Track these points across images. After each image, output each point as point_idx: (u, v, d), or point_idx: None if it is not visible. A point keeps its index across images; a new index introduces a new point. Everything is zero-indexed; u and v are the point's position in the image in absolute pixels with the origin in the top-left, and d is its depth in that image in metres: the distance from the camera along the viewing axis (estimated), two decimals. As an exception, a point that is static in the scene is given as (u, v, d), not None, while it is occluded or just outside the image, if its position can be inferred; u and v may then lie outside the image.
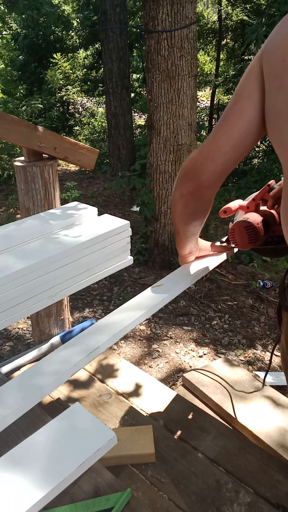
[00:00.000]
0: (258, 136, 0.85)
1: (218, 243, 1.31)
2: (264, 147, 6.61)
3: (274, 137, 0.81)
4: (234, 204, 1.20)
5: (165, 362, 2.59)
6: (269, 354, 2.67)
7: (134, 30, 7.19)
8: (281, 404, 1.79)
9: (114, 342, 1.02)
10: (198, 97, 7.96)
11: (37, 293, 1.27)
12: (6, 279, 1.17)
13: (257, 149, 6.65)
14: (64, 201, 2.80)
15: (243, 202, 1.21)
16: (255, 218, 1.14)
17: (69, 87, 8.64)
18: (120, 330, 1.03)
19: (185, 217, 1.02)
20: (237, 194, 4.75)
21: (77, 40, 10.01)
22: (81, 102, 9.37)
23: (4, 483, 0.78)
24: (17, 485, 0.78)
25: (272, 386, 1.98)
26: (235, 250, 1.35)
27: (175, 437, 1.52)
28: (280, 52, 0.74)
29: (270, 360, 1.40)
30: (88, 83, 9.76)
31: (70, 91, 8.57)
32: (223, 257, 1.30)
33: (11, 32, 9.62)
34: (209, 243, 1.28)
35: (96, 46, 9.55)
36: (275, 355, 2.57)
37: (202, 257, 1.27)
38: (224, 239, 1.33)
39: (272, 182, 1.18)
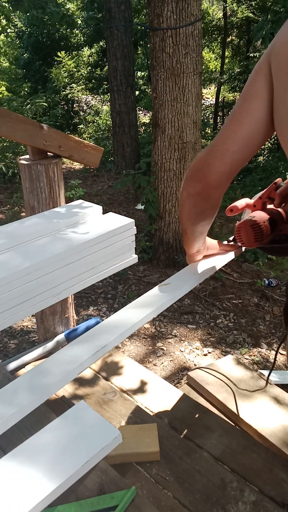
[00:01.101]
0: (267, 135, 0.85)
1: (225, 242, 1.31)
2: (269, 144, 6.58)
3: (282, 135, 0.81)
4: (241, 202, 1.19)
5: (170, 360, 2.59)
6: (275, 352, 2.66)
7: (139, 27, 7.18)
8: (285, 403, 1.78)
9: (122, 340, 1.02)
10: (203, 94, 7.93)
11: (42, 291, 1.27)
12: (11, 277, 1.17)
13: (262, 146, 6.63)
14: (68, 200, 2.81)
15: (250, 201, 1.20)
16: (261, 216, 1.13)
17: (74, 85, 8.64)
18: (128, 328, 1.02)
19: (193, 217, 1.02)
20: (242, 192, 4.74)
21: (81, 38, 10.01)
22: (86, 100, 9.37)
23: (10, 481, 0.78)
24: (22, 483, 0.78)
25: (277, 385, 1.98)
26: (243, 249, 1.34)
27: (180, 435, 1.52)
28: None
29: (275, 359, 1.39)
30: (93, 81, 9.76)
31: (75, 89, 8.57)
32: (230, 256, 1.29)
33: (16, 30, 9.63)
34: (217, 241, 1.28)
35: (101, 44, 9.55)
36: (280, 353, 2.57)
37: (210, 256, 1.26)
38: (231, 238, 1.33)
39: (278, 180, 1.18)
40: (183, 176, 1.04)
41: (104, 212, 1.58)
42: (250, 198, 1.23)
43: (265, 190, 1.18)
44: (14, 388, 0.89)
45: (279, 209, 1.17)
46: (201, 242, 1.15)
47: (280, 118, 0.79)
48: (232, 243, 1.31)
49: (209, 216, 1.02)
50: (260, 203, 1.18)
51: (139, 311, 1.08)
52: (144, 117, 9.08)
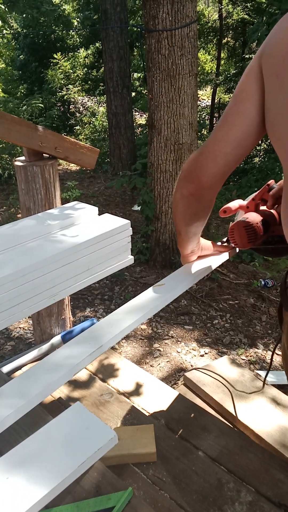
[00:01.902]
0: (259, 136, 0.85)
1: (219, 243, 1.31)
2: (265, 145, 6.60)
3: (274, 137, 0.81)
4: (234, 204, 1.20)
5: (166, 361, 2.59)
6: (271, 353, 2.67)
7: (135, 29, 7.19)
8: (282, 404, 1.79)
9: (117, 341, 1.03)
10: (199, 96, 7.95)
11: (38, 292, 1.27)
12: (7, 279, 1.17)
13: (258, 147, 6.65)
14: (65, 201, 2.80)
15: (243, 202, 1.21)
16: (254, 218, 1.14)
17: (70, 86, 8.64)
18: (123, 329, 1.02)
19: (186, 218, 1.02)
20: (238, 193, 4.75)
21: (77, 39, 10.01)
22: (82, 101, 9.37)
23: (5, 482, 0.78)
24: (18, 484, 0.78)
25: (274, 385, 1.98)
26: (237, 249, 1.35)
27: (177, 436, 1.52)
28: (280, 51, 0.74)
29: (271, 360, 1.40)
30: (89, 82, 9.76)
31: (71, 91, 8.57)
32: (225, 256, 1.30)
33: (12, 31, 9.62)
34: (211, 242, 1.28)
35: (97, 45, 9.55)
36: (277, 354, 2.57)
37: (204, 257, 1.27)
38: (225, 239, 1.33)
39: (271, 181, 1.18)
40: (179, 173, 1.06)
41: (101, 213, 1.58)
42: (244, 200, 1.24)
43: (258, 191, 1.19)
44: (12, 386, 0.89)
45: (272, 211, 1.18)
46: (195, 243, 1.15)
47: (271, 120, 0.80)
48: (226, 244, 1.32)
49: (203, 217, 1.02)
50: (253, 204, 1.19)
51: (134, 312, 1.08)
52: (140, 119, 9.09)
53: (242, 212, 1.21)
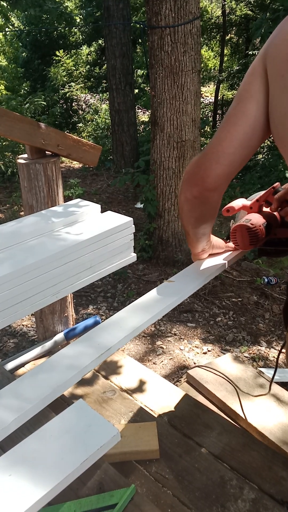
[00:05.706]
0: (263, 136, 0.84)
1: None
2: (268, 142, 6.57)
3: (278, 137, 0.81)
4: (237, 203, 1.20)
5: (169, 359, 2.59)
6: (274, 350, 2.66)
7: (138, 26, 7.16)
8: (285, 401, 1.78)
9: (126, 342, 1.02)
10: (202, 92, 7.92)
11: (41, 290, 1.27)
12: (10, 276, 1.17)
13: (261, 144, 6.63)
14: (67, 198, 2.80)
15: (247, 202, 1.21)
16: (257, 220, 1.14)
17: (73, 83, 8.63)
18: (133, 331, 1.02)
19: (192, 221, 1.01)
20: (242, 190, 4.74)
21: (80, 36, 10.00)
22: (85, 98, 9.36)
23: (8, 479, 0.78)
24: (20, 481, 0.78)
25: (277, 383, 1.98)
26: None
27: (179, 433, 1.52)
28: (284, 51, 0.73)
29: (277, 360, 1.39)
30: (92, 79, 9.76)
31: (74, 88, 8.56)
32: (237, 254, 1.29)
33: (15, 29, 9.61)
34: (222, 240, 1.28)
35: (99, 42, 9.54)
36: (282, 352, 2.56)
37: (216, 255, 1.26)
38: (226, 238, 1.33)
39: (277, 184, 1.18)
40: (182, 175, 1.05)
41: (103, 210, 1.57)
42: (246, 199, 1.24)
43: (263, 193, 1.19)
44: (17, 388, 0.89)
45: (275, 213, 1.18)
46: (205, 242, 1.15)
47: (276, 121, 0.79)
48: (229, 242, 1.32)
49: (210, 218, 1.01)
50: (256, 205, 1.19)
51: (144, 312, 1.07)
52: (143, 116, 9.07)
53: (245, 212, 1.21)
